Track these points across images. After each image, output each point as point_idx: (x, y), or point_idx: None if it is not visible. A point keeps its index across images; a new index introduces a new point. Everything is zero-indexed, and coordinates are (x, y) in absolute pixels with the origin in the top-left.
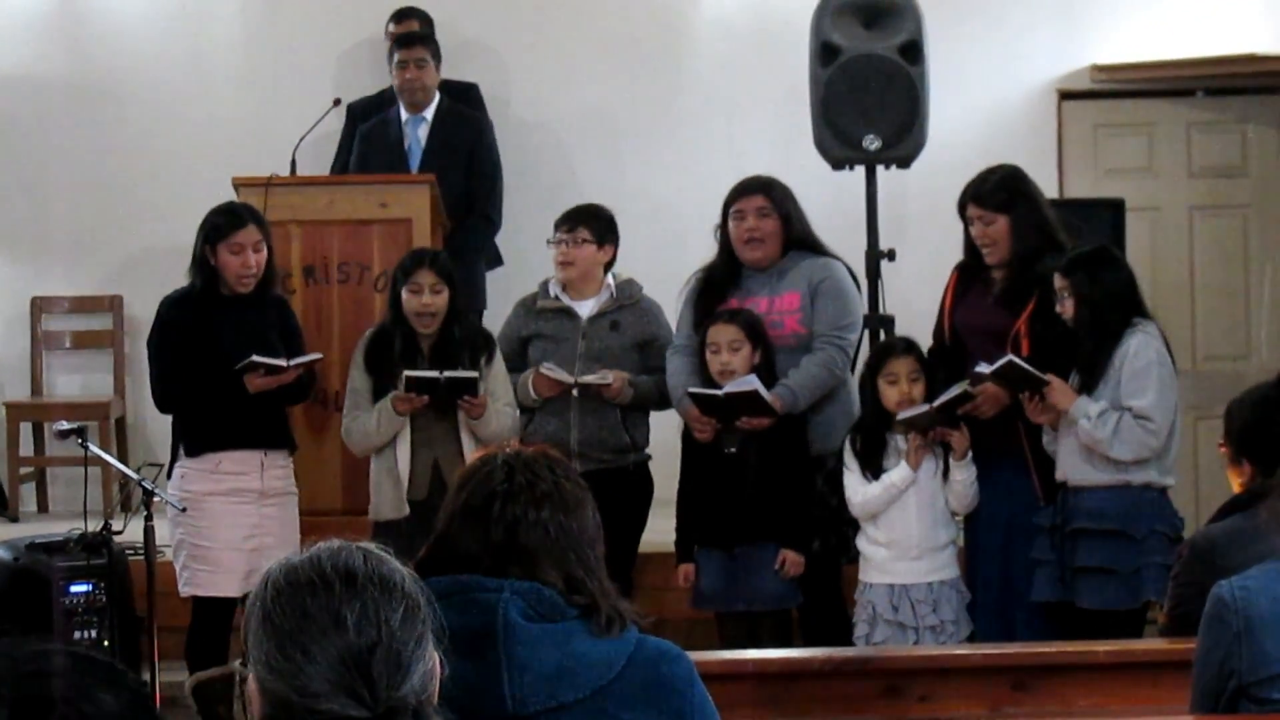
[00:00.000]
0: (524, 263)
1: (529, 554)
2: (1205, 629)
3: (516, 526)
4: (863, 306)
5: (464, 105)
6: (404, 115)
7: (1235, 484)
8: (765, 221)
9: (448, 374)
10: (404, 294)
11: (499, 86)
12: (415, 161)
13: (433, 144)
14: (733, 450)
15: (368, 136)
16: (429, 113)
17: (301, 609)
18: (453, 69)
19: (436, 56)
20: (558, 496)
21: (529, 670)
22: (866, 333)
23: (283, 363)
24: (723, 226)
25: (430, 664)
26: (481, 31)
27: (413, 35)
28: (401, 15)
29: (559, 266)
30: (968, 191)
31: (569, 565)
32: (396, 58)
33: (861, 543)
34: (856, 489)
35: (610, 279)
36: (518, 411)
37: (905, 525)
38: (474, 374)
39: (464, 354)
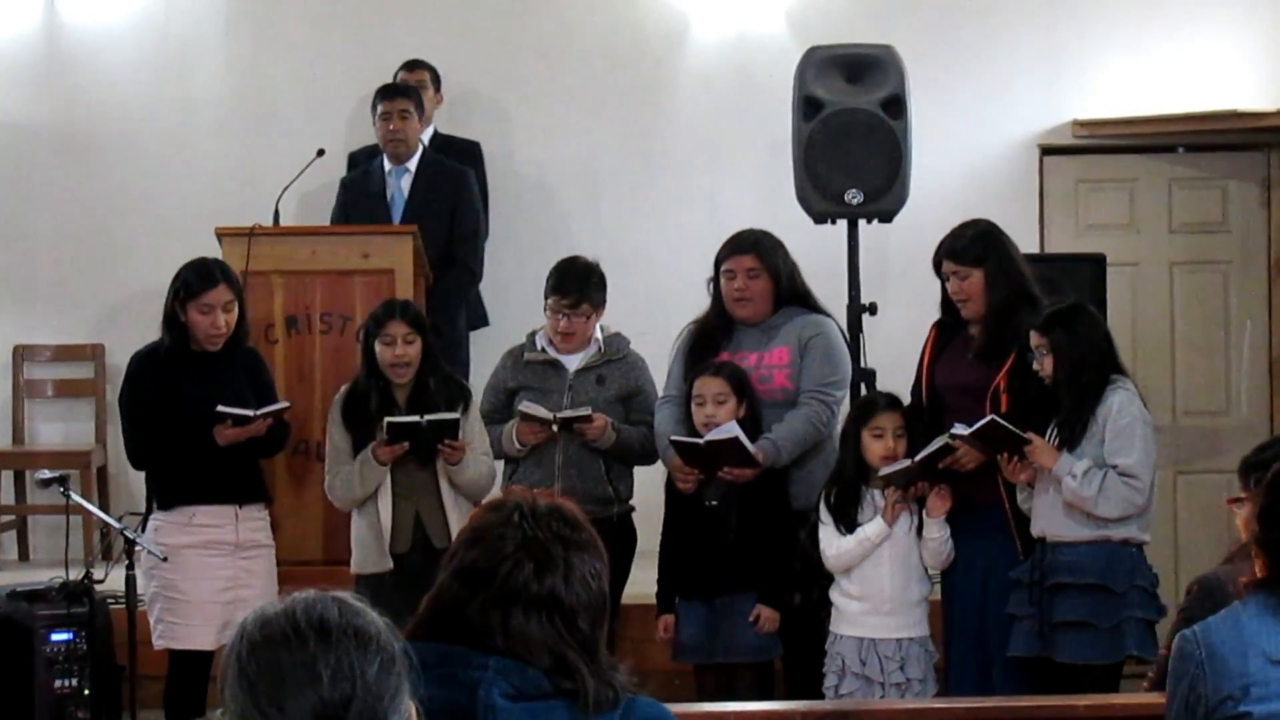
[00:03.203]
0: (510, 316)
1: (523, 636)
2: (1172, 671)
3: (516, 600)
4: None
5: (452, 158)
6: (387, 166)
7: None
8: (754, 282)
9: (429, 417)
10: (377, 346)
11: (483, 142)
12: (398, 213)
13: (415, 195)
14: (714, 503)
15: (350, 187)
16: (412, 164)
17: (276, 662)
18: (439, 123)
19: (420, 107)
20: (565, 571)
21: None
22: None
23: (249, 412)
24: (714, 280)
25: (406, 716)
26: (465, 87)
27: (397, 87)
28: (412, 65)
29: (559, 336)
30: (942, 248)
31: (562, 649)
32: (380, 109)
33: (834, 594)
34: (830, 542)
35: (598, 332)
36: (493, 461)
37: (879, 580)
38: (455, 415)
39: (440, 404)
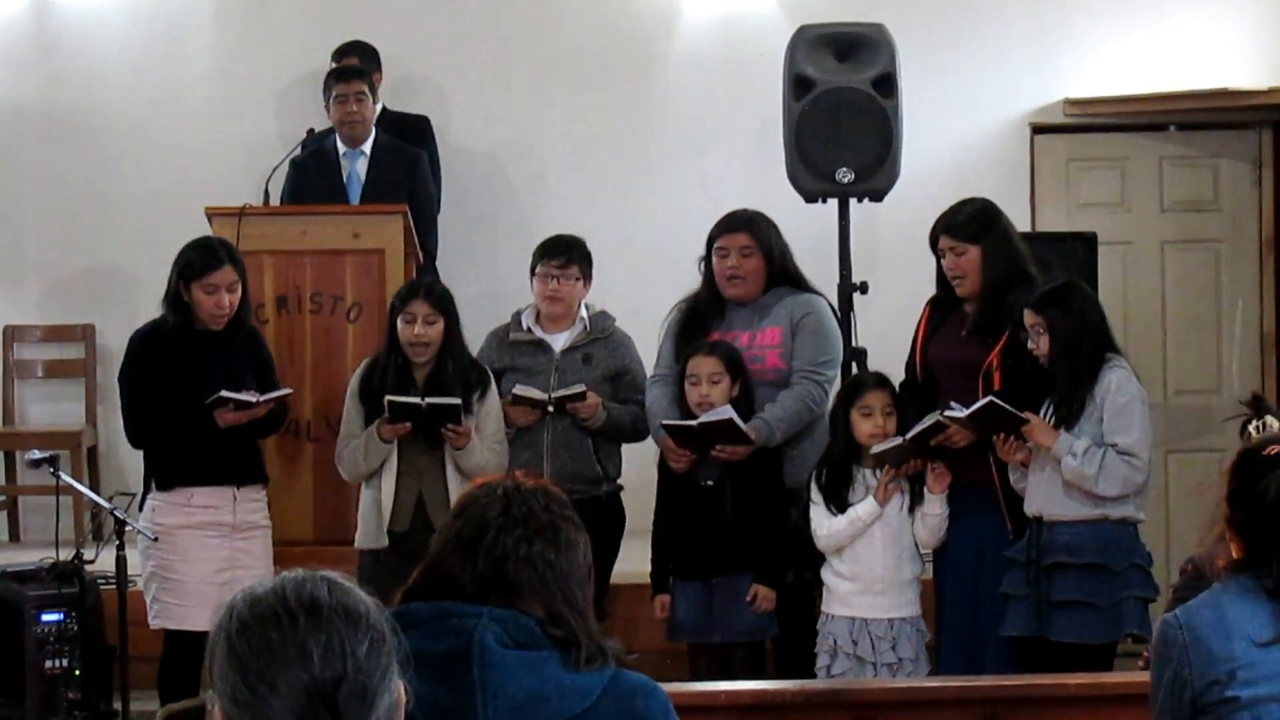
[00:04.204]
0: (500, 294)
1: (514, 587)
2: (1155, 656)
3: (506, 560)
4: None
5: (413, 139)
6: (341, 148)
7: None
8: (748, 260)
9: (430, 400)
10: (399, 323)
11: (473, 121)
12: (356, 195)
13: (373, 178)
14: (709, 483)
15: (302, 168)
16: (366, 146)
17: (266, 642)
18: (421, 102)
19: (374, 90)
20: (551, 534)
21: (503, 695)
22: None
23: (253, 398)
24: (706, 259)
25: (396, 695)
26: (455, 65)
27: (351, 69)
28: (345, 50)
29: (547, 300)
30: (939, 224)
31: (554, 603)
32: (335, 91)
33: (826, 574)
34: (821, 522)
35: (584, 311)
36: (506, 449)
37: (870, 560)
38: (456, 401)
39: (456, 387)
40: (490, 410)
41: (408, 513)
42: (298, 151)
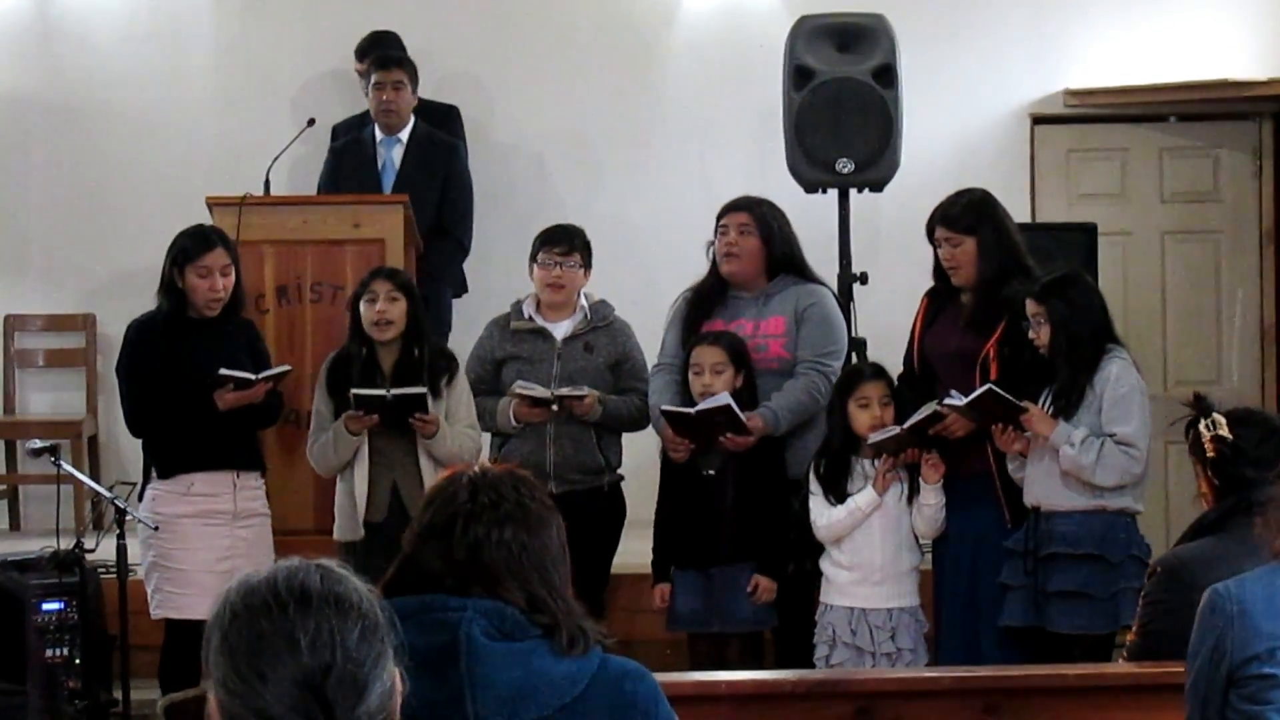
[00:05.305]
0: (489, 283)
1: (491, 573)
2: (1200, 622)
3: (480, 547)
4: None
5: (441, 128)
6: (378, 136)
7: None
8: (745, 239)
9: (395, 391)
10: (362, 306)
11: (473, 111)
12: (389, 183)
13: (407, 166)
14: (711, 472)
15: (340, 155)
16: (404, 135)
17: (257, 631)
18: (429, 93)
19: (414, 79)
20: (521, 516)
21: (491, 689)
22: None
23: (250, 375)
24: (714, 243)
25: (389, 683)
26: (456, 54)
27: (390, 57)
28: (376, 38)
29: (549, 288)
30: (936, 214)
31: (532, 585)
32: (374, 79)
33: (825, 564)
34: (821, 512)
35: (583, 299)
36: (480, 434)
37: (869, 549)
38: (421, 390)
39: (423, 373)
40: (459, 396)
41: (384, 503)
42: (299, 141)
